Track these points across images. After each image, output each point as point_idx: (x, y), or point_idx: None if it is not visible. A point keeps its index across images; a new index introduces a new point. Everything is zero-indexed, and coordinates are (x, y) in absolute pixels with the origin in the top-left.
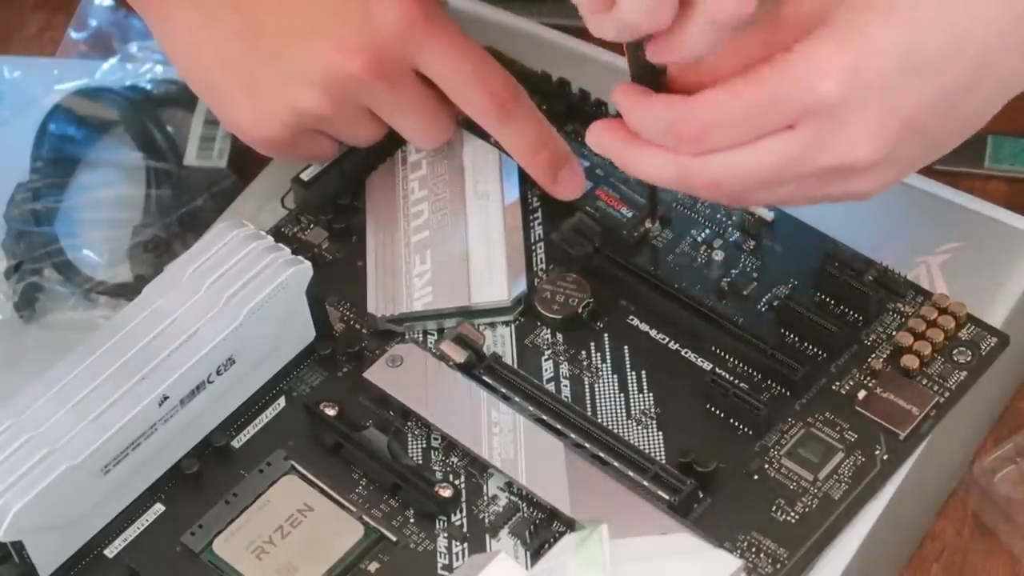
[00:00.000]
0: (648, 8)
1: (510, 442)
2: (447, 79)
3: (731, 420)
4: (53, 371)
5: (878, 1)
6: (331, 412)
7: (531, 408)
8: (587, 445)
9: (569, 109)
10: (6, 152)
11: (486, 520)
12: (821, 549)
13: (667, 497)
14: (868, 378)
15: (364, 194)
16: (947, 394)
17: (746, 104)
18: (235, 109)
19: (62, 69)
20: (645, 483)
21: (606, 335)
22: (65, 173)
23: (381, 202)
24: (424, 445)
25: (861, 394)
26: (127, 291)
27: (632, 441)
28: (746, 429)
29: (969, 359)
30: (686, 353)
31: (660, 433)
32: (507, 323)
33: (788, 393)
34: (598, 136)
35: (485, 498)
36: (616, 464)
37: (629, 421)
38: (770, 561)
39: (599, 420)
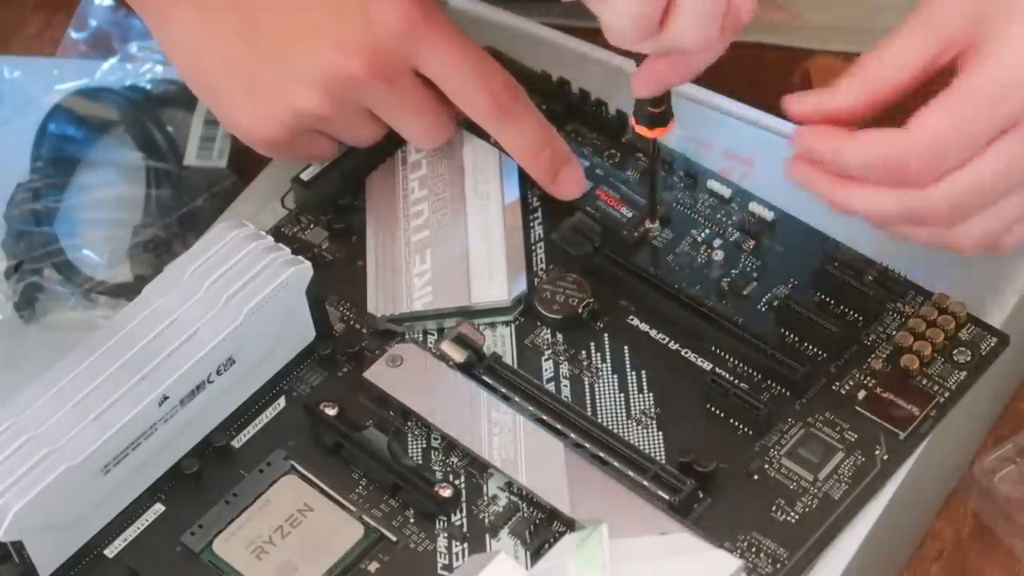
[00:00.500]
0: (706, 29)
1: (510, 442)
2: (447, 79)
3: (731, 420)
4: (53, 371)
5: None
6: (331, 412)
7: (531, 408)
8: (587, 445)
9: (569, 109)
10: (6, 152)
11: (486, 520)
12: (821, 549)
13: (667, 497)
14: (868, 378)
15: (364, 194)
16: (947, 394)
17: (965, 120)
18: (235, 109)
19: (62, 69)
20: (645, 483)
21: (606, 335)
22: (65, 173)
23: (381, 202)
24: (424, 445)
25: (861, 394)
26: (127, 291)
27: (632, 441)
28: (746, 429)
29: (969, 359)
30: (686, 353)
31: (660, 433)
32: (507, 323)
33: (788, 393)
34: (802, 173)
35: (485, 498)
36: (616, 464)
37: (629, 421)
38: (770, 561)
39: (599, 420)
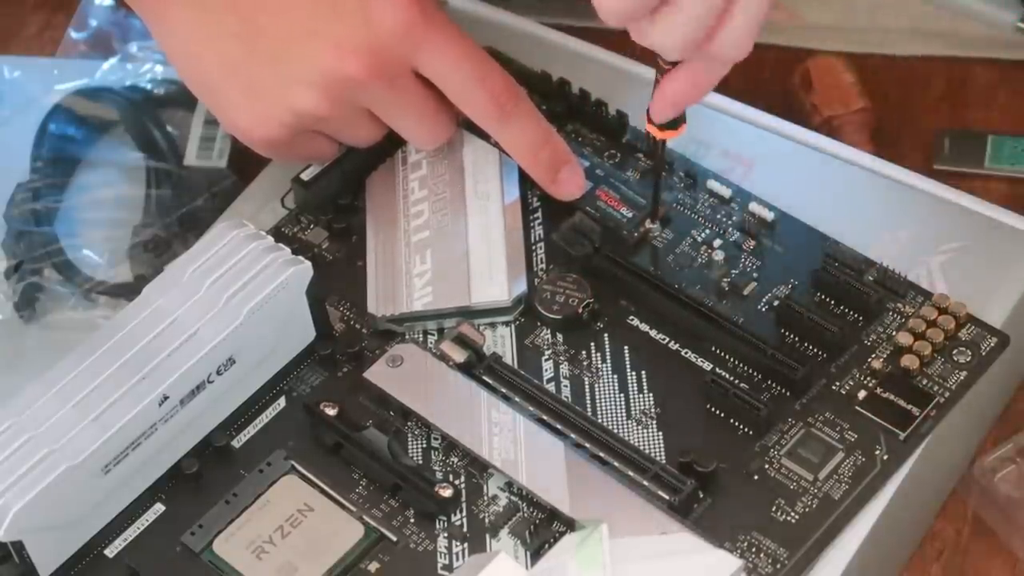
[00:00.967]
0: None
1: (510, 442)
2: (446, 79)
3: (731, 420)
4: (53, 371)
5: None
6: (331, 412)
7: (531, 408)
8: (587, 445)
9: (569, 109)
10: (6, 152)
11: (486, 520)
12: (821, 549)
13: (667, 497)
14: (868, 378)
15: (364, 194)
16: (947, 394)
17: None
18: (234, 110)
19: (62, 69)
20: (645, 483)
21: (606, 335)
22: (65, 173)
23: (381, 202)
24: (424, 445)
25: (861, 394)
26: (127, 291)
27: (632, 441)
28: (746, 429)
29: (969, 359)
30: (686, 353)
31: (660, 433)
32: (507, 323)
33: (788, 393)
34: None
35: (485, 498)
36: (616, 464)
37: (629, 421)
38: (770, 561)
39: (599, 420)
